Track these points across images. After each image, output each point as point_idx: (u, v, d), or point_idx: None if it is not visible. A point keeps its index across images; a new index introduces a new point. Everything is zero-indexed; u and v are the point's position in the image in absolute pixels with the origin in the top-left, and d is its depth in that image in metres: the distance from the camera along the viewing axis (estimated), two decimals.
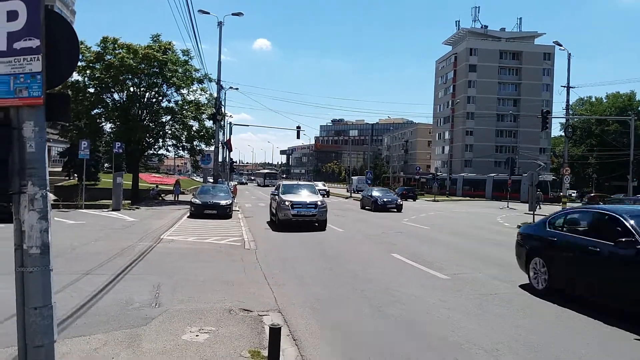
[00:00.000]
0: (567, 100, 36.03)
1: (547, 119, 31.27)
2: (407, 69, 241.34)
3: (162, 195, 36.82)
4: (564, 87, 34.97)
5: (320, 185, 72.79)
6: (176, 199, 34.46)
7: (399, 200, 31.77)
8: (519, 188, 49.47)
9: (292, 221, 17.17)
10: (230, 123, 41.87)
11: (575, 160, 71.97)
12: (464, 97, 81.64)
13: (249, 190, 66.47)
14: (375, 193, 32.88)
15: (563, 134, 42.03)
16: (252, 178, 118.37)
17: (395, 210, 30.18)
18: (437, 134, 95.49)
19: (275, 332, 3.80)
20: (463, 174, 70.32)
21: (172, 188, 38.04)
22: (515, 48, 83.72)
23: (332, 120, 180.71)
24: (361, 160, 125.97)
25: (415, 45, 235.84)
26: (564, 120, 38.92)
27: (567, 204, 34.74)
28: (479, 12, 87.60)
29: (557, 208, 34.95)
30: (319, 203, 17.80)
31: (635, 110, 65.19)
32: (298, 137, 48.55)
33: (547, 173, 65.61)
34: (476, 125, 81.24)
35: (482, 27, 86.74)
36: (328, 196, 67.87)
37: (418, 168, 72.38)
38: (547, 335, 5.90)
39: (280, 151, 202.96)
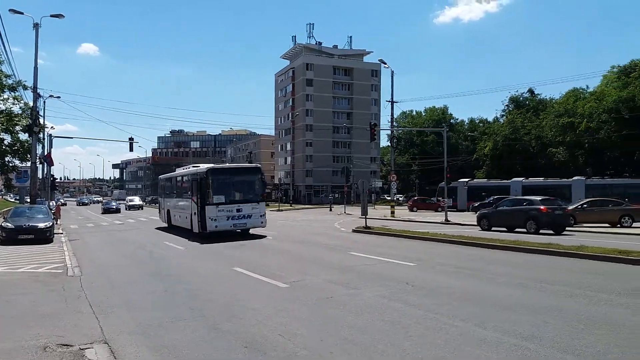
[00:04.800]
0: (392, 114, 39.93)
1: (374, 131, 34.11)
2: (248, 80, 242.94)
3: None
4: (389, 101, 38.65)
5: (136, 199, 62.46)
6: None
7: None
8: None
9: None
10: (50, 135, 37.49)
11: (401, 167, 79.63)
12: (303, 110, 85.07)
13: (75, 210, 60.21)
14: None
15: (389, 144, 46.23)
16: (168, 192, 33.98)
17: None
18: (279, 146, 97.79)
19: None
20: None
21: None
22: (347, 64, 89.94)
23: (170, 131, 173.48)
24: None
25: (256, 57, 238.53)
26: (390, 132, 42.71)
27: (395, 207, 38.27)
28: (313, 29, 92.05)
29: (386, 211, 38.11)
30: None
31: (448, 123, 74.54)
32: (131, 149, 44.48)
33: (377, 180, 71.52)
34: (315, 137, 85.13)
35: (316, 43, 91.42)
36: (142, 208, 56.84)
37: None
38: (377, 333, 6.27)
39: (113, 165, 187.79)
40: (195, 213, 20.57)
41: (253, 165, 24.03)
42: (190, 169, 24.04)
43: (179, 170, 26.21)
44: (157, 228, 26.57)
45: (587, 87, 66.13)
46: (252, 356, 5.49)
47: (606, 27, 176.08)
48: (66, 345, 5.94)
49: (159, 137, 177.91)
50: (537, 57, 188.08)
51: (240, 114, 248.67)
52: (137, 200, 61.92)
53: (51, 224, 20.00)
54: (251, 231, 21.36)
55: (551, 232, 20.68)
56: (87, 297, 8.86)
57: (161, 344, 6.02)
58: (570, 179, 41.85)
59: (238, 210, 19.73)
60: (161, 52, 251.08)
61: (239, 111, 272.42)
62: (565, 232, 20.97)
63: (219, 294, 9.14)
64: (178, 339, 6.15)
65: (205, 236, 19.49)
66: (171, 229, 25.11)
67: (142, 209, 57.16)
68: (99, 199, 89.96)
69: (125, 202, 62.41)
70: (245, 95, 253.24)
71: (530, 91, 73.20)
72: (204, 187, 19.65)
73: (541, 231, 20.61)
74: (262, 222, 20.55)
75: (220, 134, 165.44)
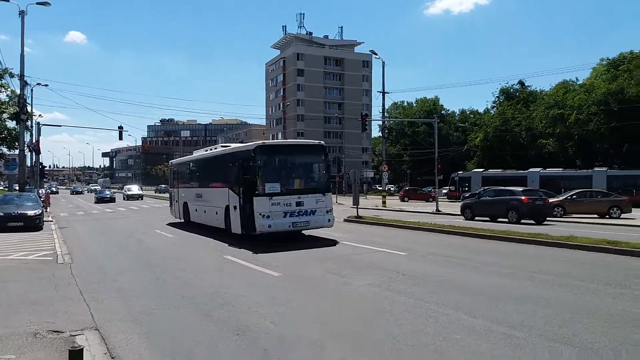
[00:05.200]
0: (383, 105, 39.92)
1: (365, 122, 34.08)
2: (238, 69, 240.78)
3: None
4: (380, 92, 38.60)
5: (134, 188, 56.67)
6: None
7: None
8: None
9: None
10: (38, 123, 37.01)
11: (393, 158, 79.72)
12: (294, 100, 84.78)
13: (66, 198, 59.69)
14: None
15: (381, 134, 46.28)
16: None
17: None
18: (270, 135, 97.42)
19: (76, 356, 3.37)
20: None
21: None
22: (338, 55, 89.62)
23: (161, 120, 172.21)
24: None
25: (246, 45, 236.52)
26: (381, 122, 42.74)
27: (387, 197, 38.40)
28: (304, 19, 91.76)
29: (377, 201, 38.15)
30: None
31: (439, 114, 74.60)
32: (120, 138, 43.56)
33: (369, 170, 71.64)
34: (306, 127, 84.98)
35: (307, 33, 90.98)
36: (142, 198, 51.71)
37: None
38: (367, 321, 6.33)
39: (102, 153, 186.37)
40: (235, 207, 14.93)
41: (316, 142, 16.43)
42: (218, 149, 19.16)
43: (200, 152, 21.18)
44: (169, 224, 21.73)
45: (577, 79, 66.55)
46: (244, 342, 5.51)
47: (596, 20, 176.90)
48: (57, 331, 5.92)
49: (148, 126, 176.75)
50: (527, 49, 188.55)
51: (231, 103, 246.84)
52: (135, 190, 55.81)
53: (40, 211, 19.86)
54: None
55: (532, 222, 20.96)
56: (78, 284, 8.82)
57: (152, 330, 6.02)
58: (591, 170, 41.06)
59: (298, 204, 14.12)
60: (149, 41, 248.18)
61: (229, 100, 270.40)
62: (547, 222, 21.19)
63: (210, 282, 9.13)
64: (169, 326, 6.16)
65: (251, 238, 14.54)
66: (188, 225, 20.14)
67: (141, 199, 52.00)
68: (96, 187, 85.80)
69: (122, 191, 57.68)
70: (236, 84, 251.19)
71: (521, 83, 73.39)
72: (251, 171, 14.13)
73: (522, 221, 20.90)
74: (328, 220, 14.92)
75: (210, 123, 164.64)
